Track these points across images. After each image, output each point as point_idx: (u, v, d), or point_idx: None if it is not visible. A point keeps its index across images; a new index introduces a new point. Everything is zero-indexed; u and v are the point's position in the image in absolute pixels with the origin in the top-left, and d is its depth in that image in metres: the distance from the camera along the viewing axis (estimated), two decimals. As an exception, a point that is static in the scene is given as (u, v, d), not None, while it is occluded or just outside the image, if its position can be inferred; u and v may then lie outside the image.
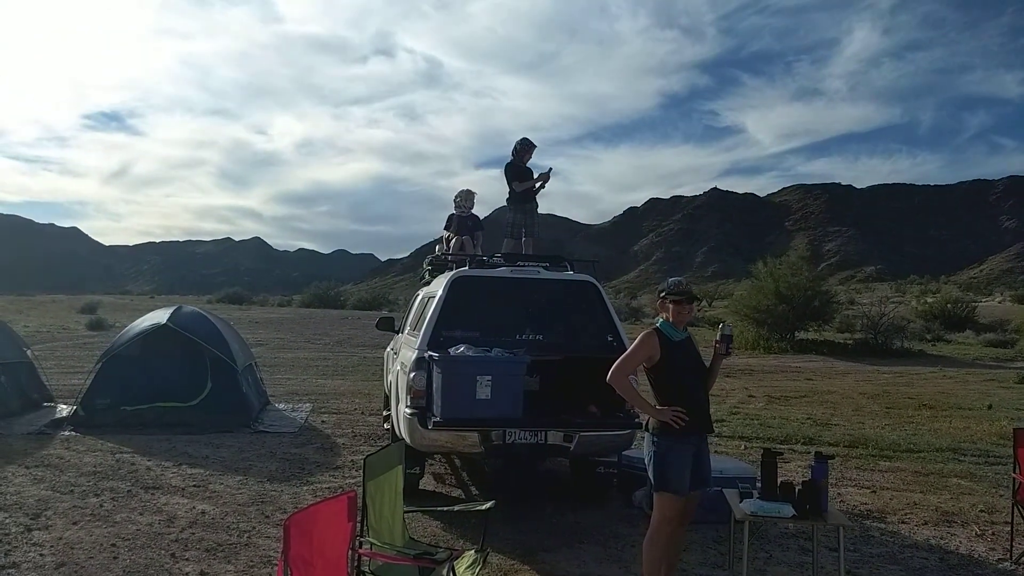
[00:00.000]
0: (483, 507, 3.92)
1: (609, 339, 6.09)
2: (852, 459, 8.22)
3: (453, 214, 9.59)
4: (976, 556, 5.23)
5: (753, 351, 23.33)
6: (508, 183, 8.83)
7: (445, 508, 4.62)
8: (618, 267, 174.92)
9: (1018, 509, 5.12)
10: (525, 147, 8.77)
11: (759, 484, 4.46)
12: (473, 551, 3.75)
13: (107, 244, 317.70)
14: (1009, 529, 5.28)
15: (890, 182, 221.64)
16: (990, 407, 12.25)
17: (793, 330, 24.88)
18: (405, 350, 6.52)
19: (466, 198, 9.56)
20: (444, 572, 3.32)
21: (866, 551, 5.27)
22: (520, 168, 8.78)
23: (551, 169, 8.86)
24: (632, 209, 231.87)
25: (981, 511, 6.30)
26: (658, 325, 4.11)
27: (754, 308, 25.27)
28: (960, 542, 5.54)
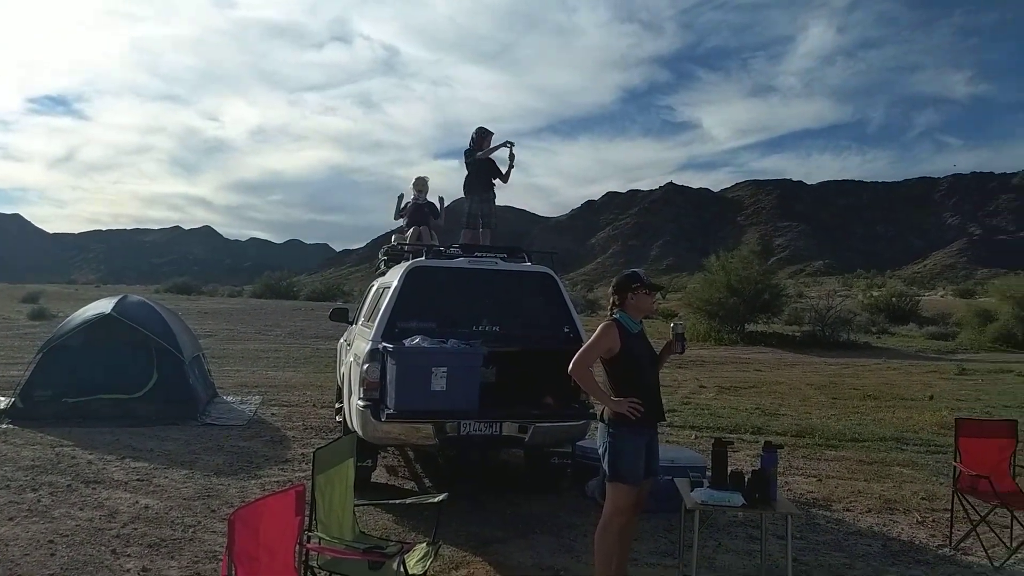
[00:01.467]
0: (436, 500, 3.88)
1: (566, 331, 6.09)
2: (799, 448, 8.41)
3: (409, 201, 9.52)
4: (917, 542, 5.39)
5: (705, 343, 23.70)
6: (467, 166, 8.75)
7: (397, 501, 4.57)
8: (576, 259, 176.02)
9: (958, 497, 5.29)
10: (482, 135, 8.71)
11: (710, 473, 4.51)
12: (425, 544, 3.71)
13: (51, 232, 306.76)
14: (949, 516, 5.46)
15: (840, 178, 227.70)
16: (932, 398, 12.67)
17: (743, 322, 25.38)
18: (359, 341, 6.43)
19: (420, 184, 9.52)
20: (395, 566, 3.27)
21: (812, 538, 5.38)
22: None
23: (512, 143, 8.66)
24: (590, 202, 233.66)
25: (922, 499, 6.50)
26: (617, 317, 4.13)
27: (706, 301, 25.72)
28: (902, 529, 5.70)
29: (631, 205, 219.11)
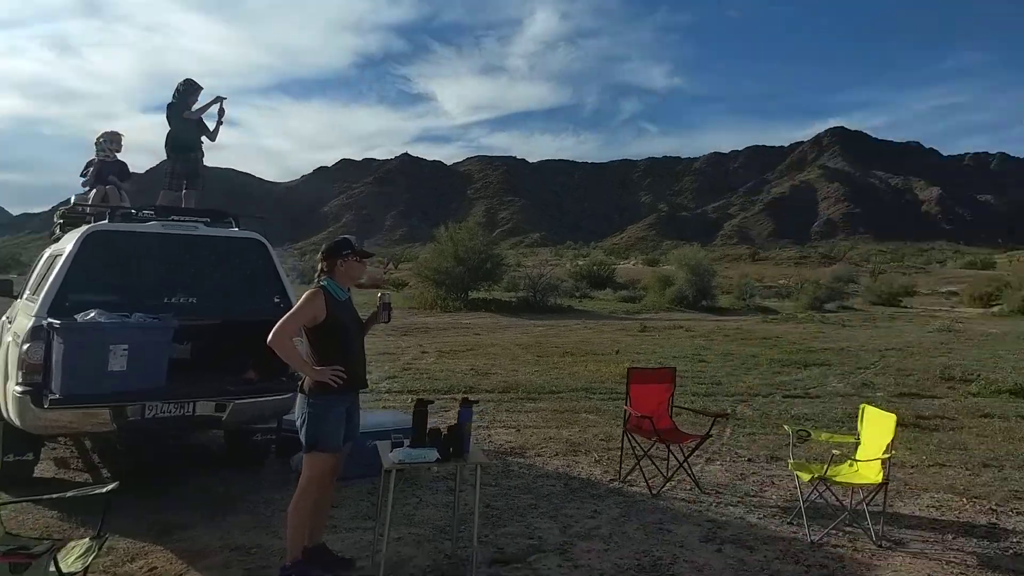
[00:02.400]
0: (104, 490, 3.50)
1: (276, 301, 5.84)
2: (504, 403, 9.07)
3: (94, 159, 8.41)
4: (593, 479, 6.11)
5: (431, 310, 24.41)
6: (170, 122, 7.94)
7: (55, 496, 4.04)
8: (306, 228, 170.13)
9: (627, 436, 6.10)
10: (190, 88, 7.94)
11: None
12: (88, 539, 3.35)
13: None
14: (619, 454, 6.26)
15: (557, 158, 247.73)
16: (618, 352, 14.41)
17: (467, 290, 26.59)
18: (21, 318, 5.57)
19: (111, 141, 8.42)
20: (46, 566, 2.91)
21: (505, 484, 5.84)
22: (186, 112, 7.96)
23: (224, 98, 8.06)
24: (323, 168, 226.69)
25: (601, 440, 7.37)
26: (324, 284, 4.04)
27: (435, 270, 26.50)
28: (582, 468, 6.42)
29: (366, 173, 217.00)
